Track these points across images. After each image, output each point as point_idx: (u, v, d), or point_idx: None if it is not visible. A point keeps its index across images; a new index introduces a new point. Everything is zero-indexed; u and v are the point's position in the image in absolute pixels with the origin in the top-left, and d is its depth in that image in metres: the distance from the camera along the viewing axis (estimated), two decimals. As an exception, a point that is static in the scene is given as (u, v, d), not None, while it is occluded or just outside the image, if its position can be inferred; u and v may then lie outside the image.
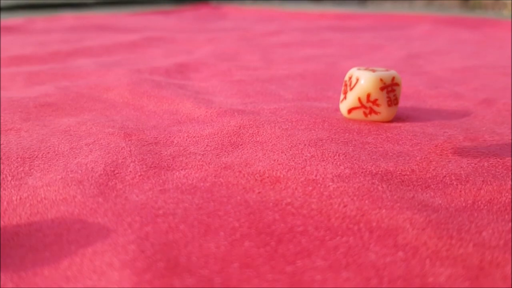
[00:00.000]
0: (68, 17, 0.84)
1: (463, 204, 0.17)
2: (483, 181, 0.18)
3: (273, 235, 0.15)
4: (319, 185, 0.18)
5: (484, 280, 0.13)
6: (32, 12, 1.00)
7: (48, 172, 0.19)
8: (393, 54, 0.53)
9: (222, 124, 0.25)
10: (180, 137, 0.23)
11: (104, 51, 0.49)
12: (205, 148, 0.22)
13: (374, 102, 0.25)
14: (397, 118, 0.27)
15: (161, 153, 0.21)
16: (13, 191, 0.18)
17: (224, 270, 0.13)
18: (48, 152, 0.21)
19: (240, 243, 0.14)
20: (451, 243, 0.14)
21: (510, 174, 0.19)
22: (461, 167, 0.20)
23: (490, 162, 0.20)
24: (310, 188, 0.18)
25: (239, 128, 0.24)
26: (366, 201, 0.16)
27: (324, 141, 0.22)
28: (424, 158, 0.21)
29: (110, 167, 0.19)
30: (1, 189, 0.18)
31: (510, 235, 0.14)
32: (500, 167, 0.20)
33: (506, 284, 0.12)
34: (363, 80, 0.25)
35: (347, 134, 0.23)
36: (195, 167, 0.20)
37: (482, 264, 0.13)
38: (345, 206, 0.16)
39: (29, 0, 1.14)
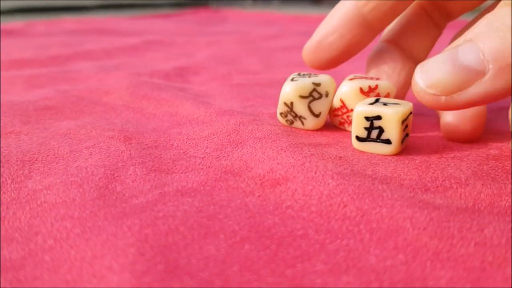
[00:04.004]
0: (68, 21, 0.84)
1: (463, 207, 0.17)
2: (483, 184, 0.18)
3: (273, 239, 0.15)
4: (318, 183, 0.18)
5: (485, 282, 0.13)
6: (32, 16, 1.00)
7: (48, 175, 0.19)
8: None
9: (221, 123, 0.25)
10: (180, 140, 0.23)
11: (104, 55, 0.49)
12: (204, 150, 0.22)
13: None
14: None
15: (161, 157, 0.21)
16: (12, 194, 0.18)
17: (224, 272, 0.13)
18: (48, 155, 0.21)
19: (240, 246, 0.14)
20: (452, 243, 0.14)
21: (510, 177, 0.19)
22: (461, 170, 0.20)
23: (490, 166, 0.20)
24: (310, 187, 0.18)
25: (239, 125, 0.24)
26: (366, 200, 0.16)
27: (323, 145, 0.22)
28: (423, 161, 0.21)
29: (110, 170, 0.19)
30: (1, 192, 0.18)
31: (511, 235, 0.14)
32: (500, 170, 0.20)
33: (507, 285, 0.12)
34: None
35: (345, 138, 0.23)
36: (195, 170, 0.20)
37: (483, 265, 0.13)
38: (345, 206, 0.16)
39: (30, 1, 1.14)
